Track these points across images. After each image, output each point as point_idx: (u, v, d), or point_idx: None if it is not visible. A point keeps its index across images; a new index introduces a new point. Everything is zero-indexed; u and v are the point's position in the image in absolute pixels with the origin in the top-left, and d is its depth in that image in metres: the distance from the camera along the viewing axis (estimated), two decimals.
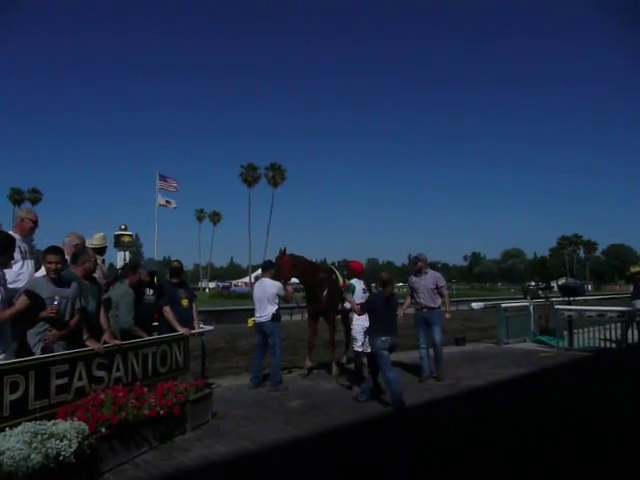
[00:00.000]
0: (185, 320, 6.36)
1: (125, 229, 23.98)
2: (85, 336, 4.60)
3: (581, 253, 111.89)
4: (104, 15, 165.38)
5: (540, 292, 25.63)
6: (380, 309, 6.15)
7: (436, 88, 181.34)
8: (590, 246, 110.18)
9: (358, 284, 7.29)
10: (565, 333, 10.96)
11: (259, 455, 4.50)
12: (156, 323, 6.38)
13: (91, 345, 4.58)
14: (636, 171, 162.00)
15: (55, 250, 4.50)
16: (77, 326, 4.57)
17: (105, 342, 4.82)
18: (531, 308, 12.51)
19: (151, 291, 6.22)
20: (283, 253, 7.74)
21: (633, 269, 11.31)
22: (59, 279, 4.47)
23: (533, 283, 28.60)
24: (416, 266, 7.85)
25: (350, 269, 7.62)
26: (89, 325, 4.73)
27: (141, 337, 5.48)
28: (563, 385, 7.39)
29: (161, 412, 4.52)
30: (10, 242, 4.23)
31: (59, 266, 4.45)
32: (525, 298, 27.27)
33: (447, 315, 7.74)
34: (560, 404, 6.16)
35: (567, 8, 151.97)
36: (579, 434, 4.96)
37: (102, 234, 6.24)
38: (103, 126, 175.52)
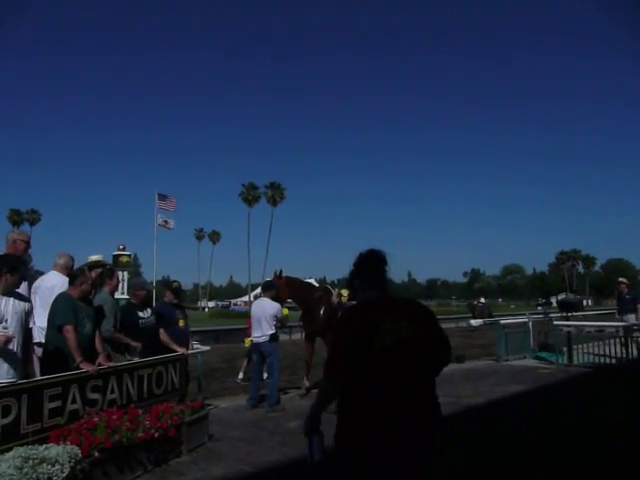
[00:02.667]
0: (182, 340, 6.33)
1: (124, 249, 23.86)
2: (79, 359, 4.56)
3: (580, 268, 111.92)
4: (102, 34, 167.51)
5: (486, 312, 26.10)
6: None
7: (433, 103, 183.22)
8: (589, 261, 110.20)
9: None
10: (564, 349, 10.92)
11: (256, 478, 4.44)
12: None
13: (85, 367, 4.55)
14: (634, 185, 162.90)
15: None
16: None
17: (100, 365, 4.79)
18: (530, 324, 12.47)
19: (149, 311, 6.13)
20: (279, 275, 7.76)
21: (620, 280, 11.44)
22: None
23: (482, 300, 28.63)
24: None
25: None
26: (84, 348, 4.70)
27: (126, 343, 5.45)
28: (562, 402, 7.32)
29: (156, 435, 4.48)
30: (20, 262, 4.22)
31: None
32: (472, 316, 27.30)
33: None
34: (560, 421, 6.10)
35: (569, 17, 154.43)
36: (580, 452, 4.90)
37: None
38: (102, 145, 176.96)
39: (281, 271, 7.82)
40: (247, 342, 7.50)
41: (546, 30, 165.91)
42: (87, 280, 4.98)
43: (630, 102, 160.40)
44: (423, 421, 2.29)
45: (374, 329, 2.29)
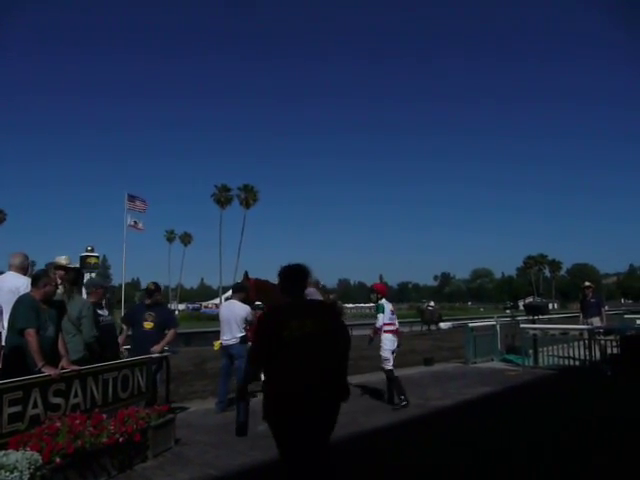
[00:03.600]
0: (144, 343, 6.22)
1: (92, 250, 23.48)
2: (41, 364, 4.44)
3: (547, 272, 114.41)
4: (69, 34, 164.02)
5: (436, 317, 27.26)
6: None
7: (404, 107, 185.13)
8: (555, 265, 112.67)
9: (387, 305, 7.50)
10: (530, 352, 11.15)
11: None
12: (128, 346, 6.28)
13: (48, 371, 4.43)
14: (600, 191, 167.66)
15: None
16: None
17: (63, 368, 4.67)
18: (498, 327, 12.68)
19: (106, 311, 6.07)
20: (246, 276, 7.73)
21: (586, 284, 11.73)
22: None
23: (432, 303, 29.28)
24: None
25: (377, 291, 7.75)
26: (46, 351, 4.58)
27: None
28: (528, 403, 7.48)
29: (120, 439, 4.38)
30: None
31: None
32: (421, 320, 28.10)
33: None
34: (524, 423, 6.22)
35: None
36: (544, 449, 5.00)
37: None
38: (70, 146, 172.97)
39: (247, 272, 7.78)
40: (216, 345, 7.40)
41: (539, 33, 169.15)
42: (51, 282, 4.85)
43: (604, 103, 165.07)
44: (325, 395, 3.01)
45: (284, 326, 3.00)
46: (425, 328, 26.19)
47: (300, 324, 3.01)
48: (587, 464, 4.62)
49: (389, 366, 7.32)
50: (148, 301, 6.64)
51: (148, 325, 6.45)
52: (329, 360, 3.06)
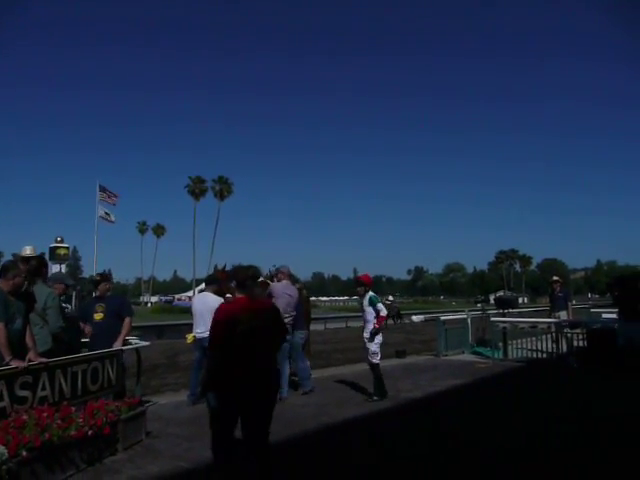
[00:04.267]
0: (97, 335, 6.14)
1: (61, 241, 22.95)
2: (8, 358, 4.35)
3: (517, 267, 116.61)
4: (37, 26, 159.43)
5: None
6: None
7: (378, 102, 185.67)
8: (525, 260, 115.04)
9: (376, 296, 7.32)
10: (500, 344, 11.37)
11: (193, 474, 4.38)
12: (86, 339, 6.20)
13: (15, 364, 4.34)
14: (570, 188, 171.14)
15: None
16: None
17: (30, 361, 4.58)
18: (469, 320, 12.89)
19: (68, 305, 6.05)
20: (220, 270, 7.69)
21: (554, 279, 12.00)
22: None
23: (390, 298, 29.59)
24: (276, 277, 7.96)
25: (365, 283, 7.45)
26: (14, 344, 4.48)
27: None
28: (496, 395, 7.64)
29: (89, 432, 4.33)
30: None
31: None
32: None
33: None
34: (493, 413, 6.36)
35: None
36: (513, 439, 5.13)
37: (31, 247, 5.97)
38: (41, 138, 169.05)
39: (224, 266, 7.74)
40: (190, 338, 7.28)
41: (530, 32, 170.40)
42: (20, 273, 4.74)
43: (577, 99, 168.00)
44: (264, 375, 3.70)
45: (236, 318, 3.62)
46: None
47: (248, 317, 3.64)
48: (553, 451, 4.76)
49: (377, 360, 7.20)
50: (97, 293, 6.57)
51: (98, 316, 6.30)
52: (269, 349, 3.80)
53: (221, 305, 4.04)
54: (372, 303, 7.14)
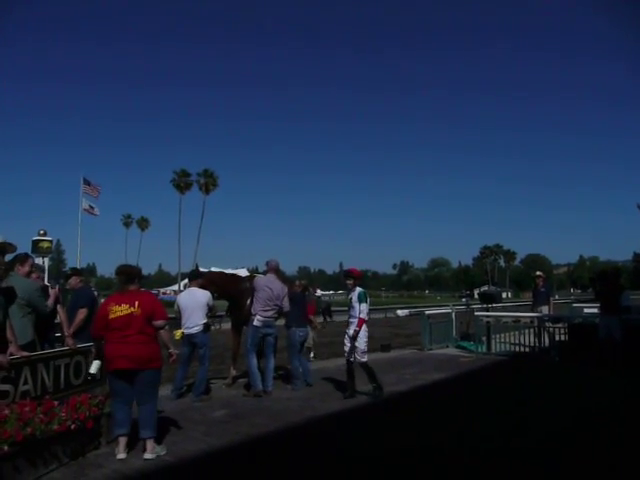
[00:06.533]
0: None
1: (44, 234, 22.62)
2: None
3: (502, 262, 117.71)
4: (26, 20, 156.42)
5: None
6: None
7: (363, 96, 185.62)
8: (509, 256, 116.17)
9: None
10: (484, 338, 11.49)
11: (176, 468, 4.38)
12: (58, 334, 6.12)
13: None
14: (554, 183, 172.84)
15: None
16: None
17: (11, 354, 4.53)
18: (453, 315, 13.00)
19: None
20: (197, 269, 7.71)
21: (537, 274, 12.13)
22: None
23: (319, 291, 29.27)
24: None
25: (356, 276, 7.24)
26: None
27: None
28: (480, 388, 7.73)
29: (72, 426, 4.31)
30: None
31: None
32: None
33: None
34: (476, 407, 6.44)
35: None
36: (492, 434, 5.19)
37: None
38: (25, 130, 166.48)
39: (197, 265, 7.78)
40: (177, 334, 7.09)
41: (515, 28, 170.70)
42: (0, 265, 4.68)
43: (560, 94, 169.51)
44: (138, 357, 4.58)
45: (110, 309, 4.62)
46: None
47: (120, 307, 4.59)
48: (534, 443, 4.83)
49: (366, 358, 7.05)
50: (68, 286, 6.61)
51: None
52: (140, 333, 4.60)
53: (107, 297, 4.81)
54: (360, 300, 6.92)
